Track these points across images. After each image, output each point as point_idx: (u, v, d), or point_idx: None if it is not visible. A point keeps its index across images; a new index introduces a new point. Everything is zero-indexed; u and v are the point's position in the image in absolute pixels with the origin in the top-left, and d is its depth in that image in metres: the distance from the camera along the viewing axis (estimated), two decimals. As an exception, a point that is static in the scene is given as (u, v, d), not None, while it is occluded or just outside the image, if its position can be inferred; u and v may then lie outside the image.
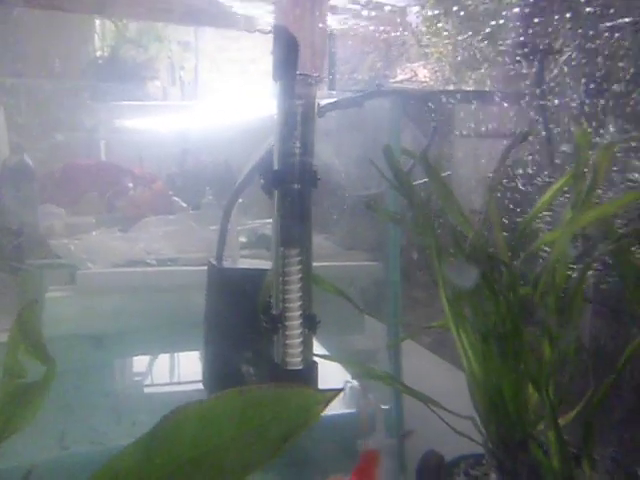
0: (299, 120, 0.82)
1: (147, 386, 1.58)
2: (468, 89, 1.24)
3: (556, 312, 0.72)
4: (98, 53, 2.66)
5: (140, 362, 1.65)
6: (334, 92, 1.35)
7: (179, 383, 1.60)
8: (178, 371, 1.65)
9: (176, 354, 1.64)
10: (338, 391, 0.58)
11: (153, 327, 1.47)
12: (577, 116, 0.96)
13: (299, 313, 0.84)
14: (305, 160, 0.85)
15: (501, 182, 0.91)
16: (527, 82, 1.02)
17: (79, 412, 1.30)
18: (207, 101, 2.76)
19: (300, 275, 0.85)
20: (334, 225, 1.74)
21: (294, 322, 0.84)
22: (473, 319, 0.80)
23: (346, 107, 1.08)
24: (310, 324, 0.84)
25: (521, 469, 0.75)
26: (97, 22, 2.66)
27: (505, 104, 1.12)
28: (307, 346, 0.85)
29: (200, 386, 1.04)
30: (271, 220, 0.88)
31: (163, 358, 1.66)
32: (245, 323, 0.93)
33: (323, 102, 1.01)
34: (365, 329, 1.45)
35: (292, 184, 0.84)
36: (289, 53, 0.78)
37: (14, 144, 1.98)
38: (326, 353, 1.00)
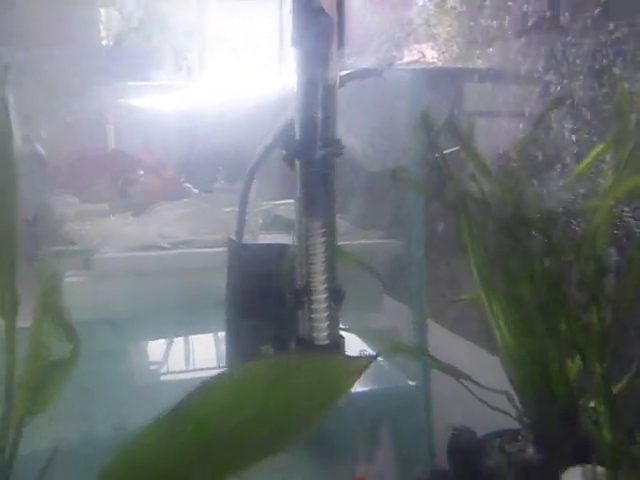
0: (320, 87, 0.79)
1: (165, 370, 1.57)
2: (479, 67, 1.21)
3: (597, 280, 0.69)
4: (104, 42, 2.65)
5: (158, 345, 1.65)
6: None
7: (197, 370, 1.59)
8: (195, 354, 1.64)
9: (194, 336, 1.63)
10: (372, 359, 0.55)
11: (170, 310, 1.46)
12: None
13: (324, 286, 0.82)
14: (328, 128, 0.82)
15: (531, 144, 0.88)
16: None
17: (99, 396, 1.29)
18: (213, 85, 2.74)
19: (325, 247, 0.83)
20: (348, 204, 1.71)
21: (319, 296, 0.81)
22: (506, 288, 0.77)
23: (365, 76, 1.04)
24: (336, 297, 0.82)
25: (565, 443, 0.72)
26: (102, 11, 2.64)
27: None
28: (333, 320, 0.82)
29: (219, 370, 1.02)
30: (284, 201, 0.86)
31: (180, 341, 1.65)
32: (268, 299, 0.91)
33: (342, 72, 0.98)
34: (383, 307, 1.43)
35: (315, 153, 0.81)
36: (310, 16, 0.75)
37: (25, 134, 1.96)
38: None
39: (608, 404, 0.68)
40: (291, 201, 1.06)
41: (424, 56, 1.44)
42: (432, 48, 1.40)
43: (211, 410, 0.55)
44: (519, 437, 0.86)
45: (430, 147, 0.77)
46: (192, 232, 1.75)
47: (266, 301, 0.92)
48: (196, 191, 2.21)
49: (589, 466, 0.64)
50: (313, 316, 0.81)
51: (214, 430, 0.55)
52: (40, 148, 1.86)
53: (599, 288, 0.70)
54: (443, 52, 1.37)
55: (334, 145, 0.83)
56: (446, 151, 0.80)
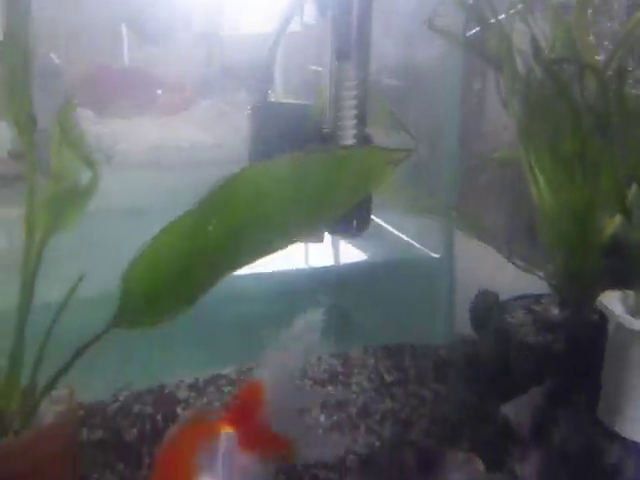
0: None
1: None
2: None
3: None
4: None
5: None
6: None
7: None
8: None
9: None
10: (408, 151, 0.53)
11: (187, 202, 1.45)
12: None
13: (353, 132, 0.79)
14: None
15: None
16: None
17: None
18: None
19: (355, 91, 0.79)
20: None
21: (348, 141, 0.79)
22: (548, 140, 0.74)
23: None
24: (365, 145, 0.79)
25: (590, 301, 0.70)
26: None
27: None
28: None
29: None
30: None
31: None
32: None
33: None
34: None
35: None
36: None
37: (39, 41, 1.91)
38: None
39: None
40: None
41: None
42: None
43: (239, 201, 0.54)
44: (543, 300, 0.84)
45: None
46: (213, 135, 1.72)
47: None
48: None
49: (629, 291, 0.62)
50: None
51: (242, 219, 0.53)
52: (56, 59, 1.81)
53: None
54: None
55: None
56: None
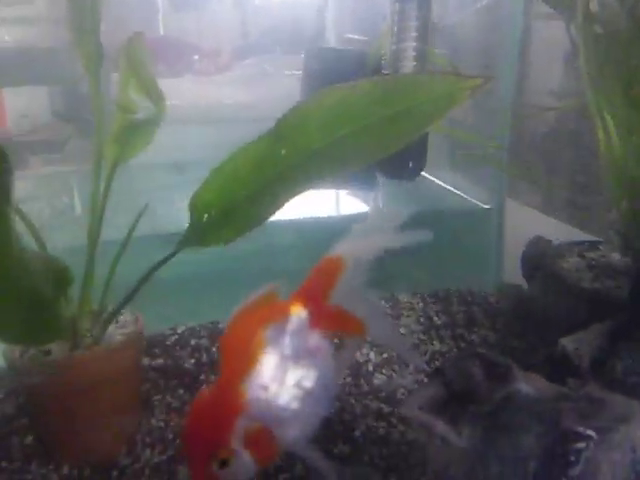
0: None
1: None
2: None
3: None
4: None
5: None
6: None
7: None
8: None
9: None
10: (488, 78, 0.53)
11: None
12: None
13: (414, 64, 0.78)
14: None
15: None
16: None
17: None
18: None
19: (416, 33, 0.79)
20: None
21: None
22: (619, 85, 0.72)
23: None
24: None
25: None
26: None
27: None
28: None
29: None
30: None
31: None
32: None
33: None
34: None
35: None
36: None
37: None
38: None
39: None
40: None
41: None
42: None
43: (312, 126, 0.54)
44: (600, 246, 0.84)
45: None
46: (254, 95, 1.72)
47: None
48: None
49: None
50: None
51: (316, 145, 0.54)
52: None
53: None
54: None
55: None
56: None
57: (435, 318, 0.92)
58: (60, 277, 0.59)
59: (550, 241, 0.85)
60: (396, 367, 0.81)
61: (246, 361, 0.42)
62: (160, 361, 0.83)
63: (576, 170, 0.96)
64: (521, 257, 0.86)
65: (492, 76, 0.54)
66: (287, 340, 0.43)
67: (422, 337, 0.88)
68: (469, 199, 1.07)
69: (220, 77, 1.82)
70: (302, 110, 0.56)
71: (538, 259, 0.84)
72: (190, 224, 0.60)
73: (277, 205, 0.56)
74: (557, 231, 0.90)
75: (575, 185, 0.98)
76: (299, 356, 0.43)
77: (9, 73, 1.24)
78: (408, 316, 0.93)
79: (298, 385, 0.43)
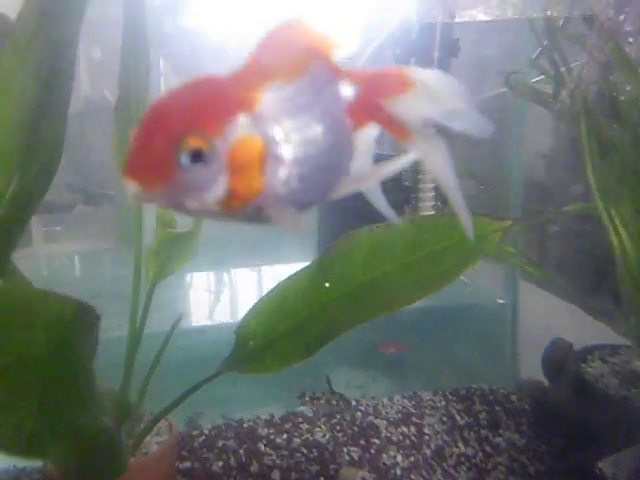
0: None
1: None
2: None
3: None
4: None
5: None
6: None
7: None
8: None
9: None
10: (515, 220, 0.57)
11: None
12: None
13: (432, 185, 0.83)
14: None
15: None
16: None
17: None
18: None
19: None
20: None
21: (427, 194, 0.83)
22: (628, 192, 0.77)
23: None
24: (443, 197, 0.83)
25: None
26: None
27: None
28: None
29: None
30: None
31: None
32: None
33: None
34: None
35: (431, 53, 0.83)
36: None
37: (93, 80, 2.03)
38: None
39: None
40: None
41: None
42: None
43: (354, 262, 0.58)
44: (620, 351, 0.86)
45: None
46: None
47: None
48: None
49: None
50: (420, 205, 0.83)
51: (358, 280, 0.57)
52: (108, 93, 1.92)
53: None
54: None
55: (452, 45, 0.84)
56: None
57: (457, 417, 0.93)
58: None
59: (570, 344, 0.87)
60: (424, 472, 0.81)
61: (279, 66, 0.33)
62: (188, 464, 0.83)
63: (590, 273, 1.00)
64: (542, 359, 0.88)
65: (519, 218, 0.58)
66: (321, 95, 0.34)
67: (446, 438, 0.88)
68: (484, 294, 1.10)
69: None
70: (344, 245, 0.59)
71: (560, 363, 0.86)
72: (234, 349, 0.62)
73: (326, 337, 0.57)
74: (572, 319, 0.92)
75: (589, 286, 1.00)
76: (326, 115, 0.35)
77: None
78: (431, 415, 0.94)
79: (313, 138, 0.34)
